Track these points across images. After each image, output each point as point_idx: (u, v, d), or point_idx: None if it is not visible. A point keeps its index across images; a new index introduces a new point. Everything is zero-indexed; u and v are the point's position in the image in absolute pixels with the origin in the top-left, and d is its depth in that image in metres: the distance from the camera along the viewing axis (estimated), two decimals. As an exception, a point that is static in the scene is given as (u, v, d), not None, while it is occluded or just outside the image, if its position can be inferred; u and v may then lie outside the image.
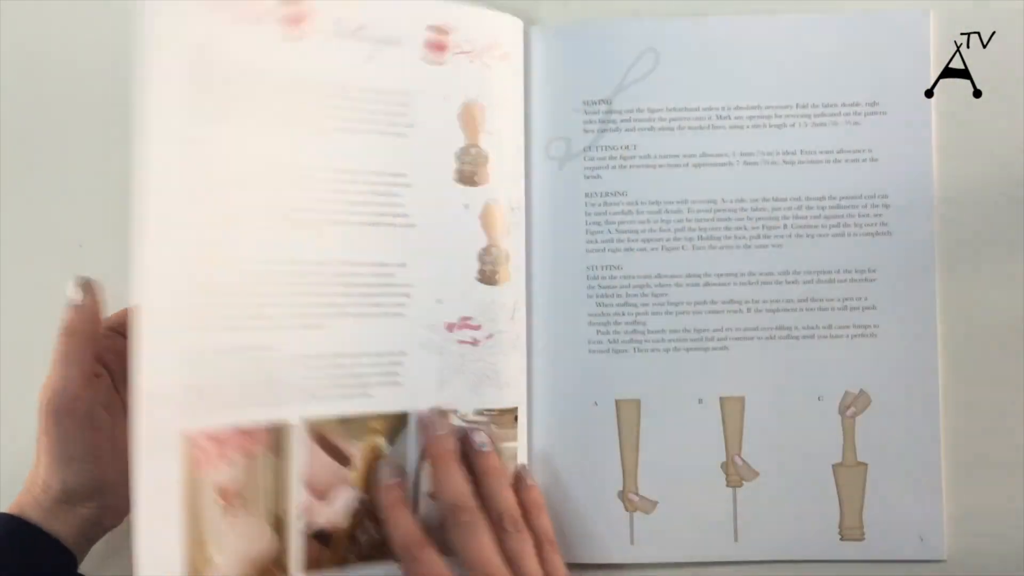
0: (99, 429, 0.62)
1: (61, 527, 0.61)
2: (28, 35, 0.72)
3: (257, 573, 0.61)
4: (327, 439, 0.64)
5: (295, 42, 0.63)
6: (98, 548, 0.65)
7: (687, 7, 0.70)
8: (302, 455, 0.62)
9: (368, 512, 0.65)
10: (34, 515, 0.60)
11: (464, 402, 0.67)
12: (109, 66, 0.71)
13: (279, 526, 0.62)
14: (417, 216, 0.66)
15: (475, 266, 0.67)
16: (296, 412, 0.63)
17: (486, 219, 0.67)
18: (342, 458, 0.65)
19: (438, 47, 0.66)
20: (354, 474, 0.65)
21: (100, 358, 0.64)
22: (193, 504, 0.58)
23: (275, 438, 0.62)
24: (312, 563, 0.63)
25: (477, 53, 0.67)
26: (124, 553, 0.68)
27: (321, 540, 0.64)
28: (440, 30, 0.66)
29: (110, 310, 0.67)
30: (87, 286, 0.61)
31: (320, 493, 0.64)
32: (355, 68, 0.65)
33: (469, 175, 0.67)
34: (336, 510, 0.64)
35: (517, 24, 0.68)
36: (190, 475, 0.58)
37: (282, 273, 0.63)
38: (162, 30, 0.60)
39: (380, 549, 0.65)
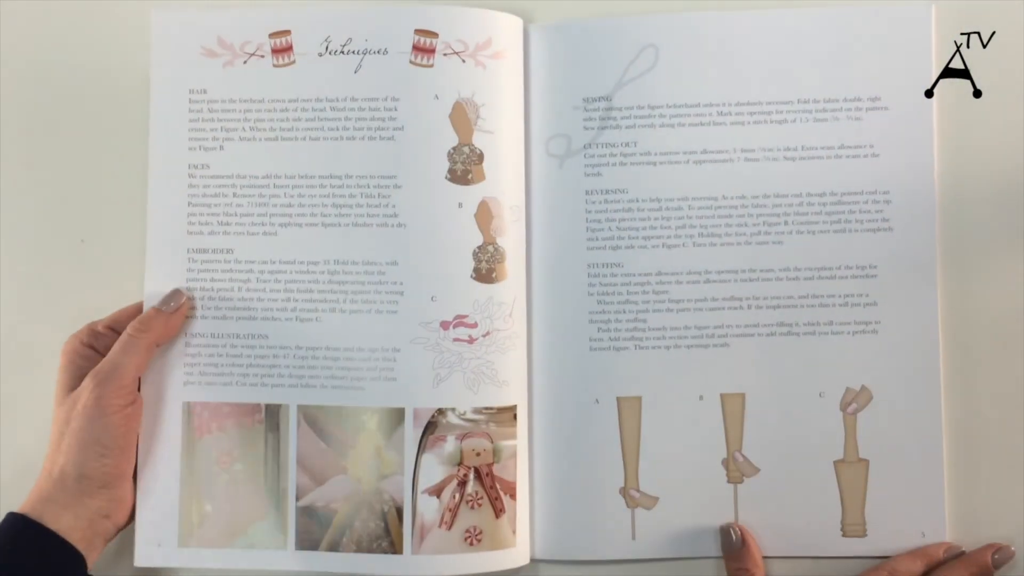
0: (130, 418, 0.64)
1: (72, 520, 0.62)
2: (33, 35, 0.73)
3: (254, 534, 0.68)
4: (323, 427, 0.68)
5: (284, 68, 0.68)
6: (106, 548, 0.66)
7: (686, 3, 0.70)
8: (298, 436, 0.68)
9: (365, 502, 0.67)
10: (47, 509, 0.61)
11: (462, 400, 0.67)
12: (112, 67, 0.72)
13: (276, 498, 0.68)
14: (407, 216, 0.67)
15: (470, 264, 0.67)
16: (290, 398, 0.68)
17: (481, 217, 0.67)
18: (339, 447, 0.68)
19: (426, 50, 0.67)
20: (351, 464, 0.68)
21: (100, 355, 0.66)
22: (190, 461, 0.68)
23: (270, 417, 0.68)
24: (305, 540, 0.68)
25: (470, 52, 0.67)
26: (131, 553, 0.69)
27: (316, 520, 0.68)
28: (427, 33, 0.67)
29: (111, 304, 0.68)
30: (181, 300, 0.67)
31: (317, 477, 0.68)
32: (343, 81, 0.68)
33: (462, 174, 0.67)
34: (332, 495, 0.68)
35: (516, 22, 0.69)
36: (189, 437, 0.68)
37: (274, 272, 0.68)
38: (164, 78, 0.69)
39: (375, 540, 0.67)
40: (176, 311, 0.67)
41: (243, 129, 0.68)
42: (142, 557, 0.68)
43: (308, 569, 0.67)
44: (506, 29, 0.68)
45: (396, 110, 0.67)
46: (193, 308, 0.68)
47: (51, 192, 0.72)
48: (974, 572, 0.65)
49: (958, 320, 0.68)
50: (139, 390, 0.67)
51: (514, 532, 0.67)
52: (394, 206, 0.67)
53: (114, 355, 0.64)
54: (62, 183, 0.72)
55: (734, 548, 0.66)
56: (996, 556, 0.65)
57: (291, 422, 0.68)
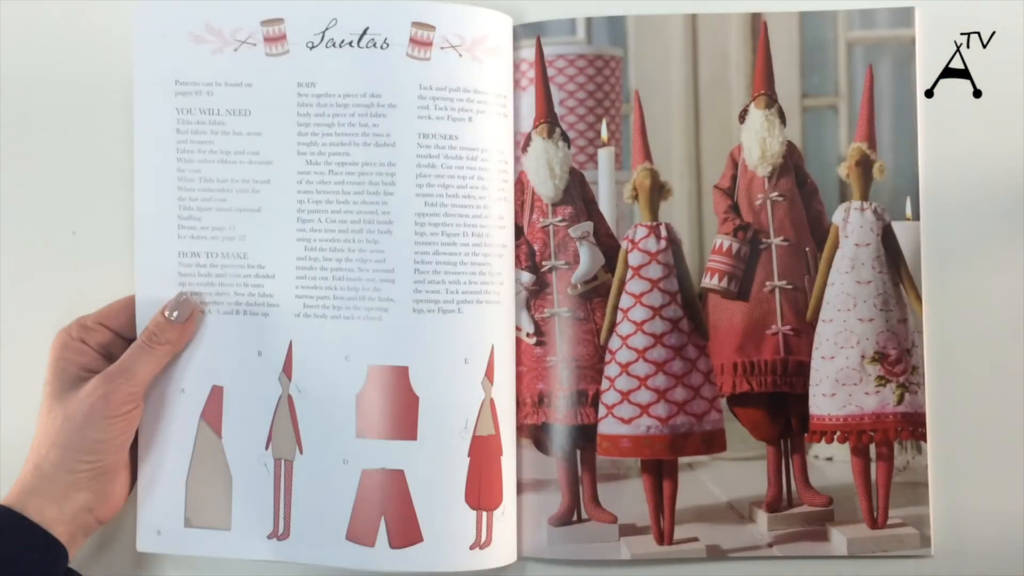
0: (132, 420, 0.64)
1: (57, 513, 0.62)
2: (26, 32, 0.72)
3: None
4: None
5: (277, 58, 0.67)
6: (88, 544, 0.66)
7: (673, 6, 0.70)
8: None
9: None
10: (31, 501, 0.61)
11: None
12: (103, 63, 0.71)
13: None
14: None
15: None
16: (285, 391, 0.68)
17: None
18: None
19: (423, 43, 0.67)
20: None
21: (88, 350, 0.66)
22: (190, 451, 0.68)
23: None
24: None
25: (467, 47, 0.67)
26: (113, 548, 0.70)
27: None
28: (425, 26, 0.67)
29: (99, 295, 0.68)
30: (190, 309, 0.66)
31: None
32: (338, 72, 0.67)
33: None
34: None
35: (506, 20, 0.69)
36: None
37: (264, 272, 0.68)
38: (148, 64, 0.68)
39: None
40: (188, 320, 0.66)
41: (233, 120, 0.68)
42: (144, 543, 0.68)
43: (284, 559, 0.67)
44: (498, 27, 0.68)
45: (393, 104, 0.67)
46: (203, 312, 0.68)
47: (41, 184, 0.72)
48: None
49: (945, 317, 0.68)
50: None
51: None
52: (391, 204, 0.67)
53: (129, 361, 0.64)
54: (51, 175, 0.72)
55: None
56: None
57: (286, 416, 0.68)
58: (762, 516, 0.69)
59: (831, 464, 0.70)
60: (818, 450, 0.70)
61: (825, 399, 0.69)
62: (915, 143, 0.69)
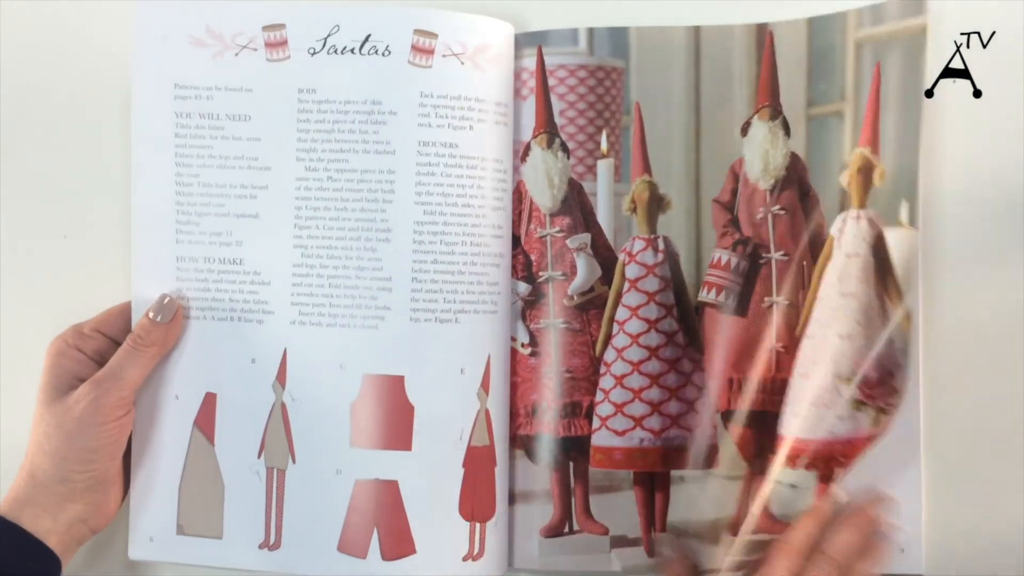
0: (124, 427, 0.65)
1: (51, 523, 0.62)
2: (23, 33, 0.72)
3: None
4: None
5: (278, 63, 0.67)
6: (80, 551, 0.66)
7: (677, 17, 0.70)
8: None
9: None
10: (25, 511, 0.61)
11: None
12: (101, 65, 0.71)
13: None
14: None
15: None
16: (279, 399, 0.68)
17: None
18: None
19: (425, 51, 0.66)
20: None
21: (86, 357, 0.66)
22: (183, 458, 0.69)
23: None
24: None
25: (469, 55, 0.67)
26: (105, 555, 0.70)
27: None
28: (427, 34, 0.66)
29: (95, 299, 0.68)
30: (174, 309, 0.66)
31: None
32: (339, 79, 0.67)
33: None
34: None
35: (508, 29, 0.68)
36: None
37: (260, 278, 0.68)
38: (147, 66, 0.68)
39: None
40: (173, 320, 0.66)
41: (233, 124, 0.68)
42: (136, 550, 0.68)
43: (275, 569, 0.68)
44: (500, 35, 0.68)
45: (394, 112, 0.67)
46: (188, 310, 0.68)
47: (36, 187, 0.72)
48: (865, 530, 0.62)
49: (942, 327, 0.68)
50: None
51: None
52: (390, 211, 0.67)
53: (116, 365, 0.64)
54: (48, 177, 0.72)
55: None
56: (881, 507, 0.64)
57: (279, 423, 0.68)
58: (727, 539, 0.68)
59: (795, 492, 0.67)
60: (781, 476, 0.67)
61: (796, 420, 0.67)
62: (918, 142, 0.67)
